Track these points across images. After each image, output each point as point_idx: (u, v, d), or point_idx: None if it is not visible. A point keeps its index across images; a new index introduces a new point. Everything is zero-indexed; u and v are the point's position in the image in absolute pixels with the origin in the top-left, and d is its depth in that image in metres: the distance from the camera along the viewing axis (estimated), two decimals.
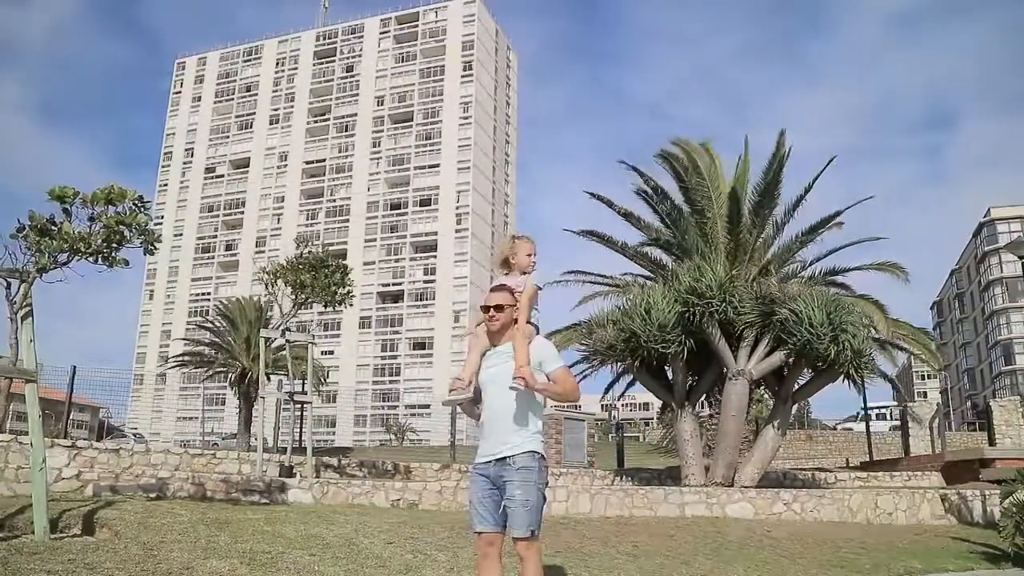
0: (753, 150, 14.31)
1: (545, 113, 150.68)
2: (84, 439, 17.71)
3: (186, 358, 29.68)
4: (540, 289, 4.00)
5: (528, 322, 3.83)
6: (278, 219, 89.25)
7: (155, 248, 6.51)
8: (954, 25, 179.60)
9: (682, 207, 14.47)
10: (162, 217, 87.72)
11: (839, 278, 14.24)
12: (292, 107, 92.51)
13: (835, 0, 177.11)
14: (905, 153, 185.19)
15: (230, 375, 26.42)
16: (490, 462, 3.63)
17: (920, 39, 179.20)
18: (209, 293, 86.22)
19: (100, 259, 6.16)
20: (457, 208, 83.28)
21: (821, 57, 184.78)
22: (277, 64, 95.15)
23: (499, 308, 3.72)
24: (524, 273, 4.01)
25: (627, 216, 14.86)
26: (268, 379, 17.11)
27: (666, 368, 13.26)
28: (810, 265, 14.24)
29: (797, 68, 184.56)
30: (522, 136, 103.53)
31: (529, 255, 4.04)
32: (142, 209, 6.30)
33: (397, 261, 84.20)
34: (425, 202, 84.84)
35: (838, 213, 13.59)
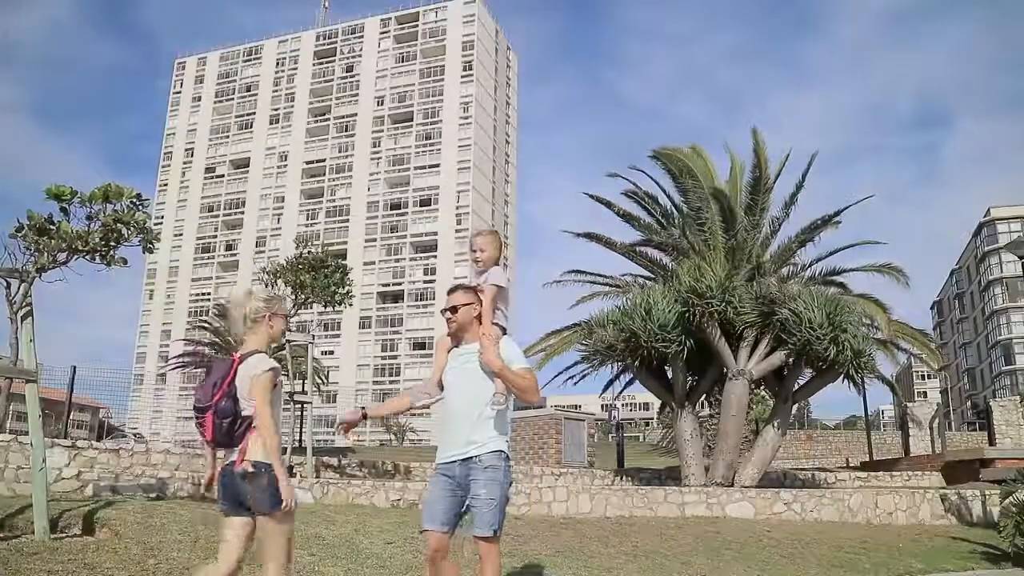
0: (747, 150, 14.31)
1: (542, 112, 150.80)
2: (84, 439, 17.70)
3: (186, 358, 29.69)
4: (503, 288, 3.88)
5: (493, 323, 3.79)
6: (278, 219, 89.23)
7: (153, 246, 6.51)
8: (946, 24, 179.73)
9: (680, 207, 14.48)
10: (162, 217, 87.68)
11: (838, 278, 14.23)
12: (292, 107, 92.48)
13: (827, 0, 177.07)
14: (901, 152, 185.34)
15: None
16: (455, 462, 3.60)
17: (912, 38, 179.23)
18: (209, 293, 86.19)
19: (98, 258, 6.15)
20: (457, 208, 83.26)
21: (814, 57, 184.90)
22: (277, 64, 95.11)
23: (454, 310, 3.72)
24: (480, 270, 3.96)
25: (626, 217, 14.86)
26: None
27: (666, 368, 13.25)
28: (810, 265, 14.25)
29: (790, 67, 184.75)
30: (520, 135, 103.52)
31: (474, 250, 3.97)
32: (140, 207, 6.29)
33: (397, 261, 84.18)
34: (425, 202, 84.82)
35: (837, 213, 13.57)
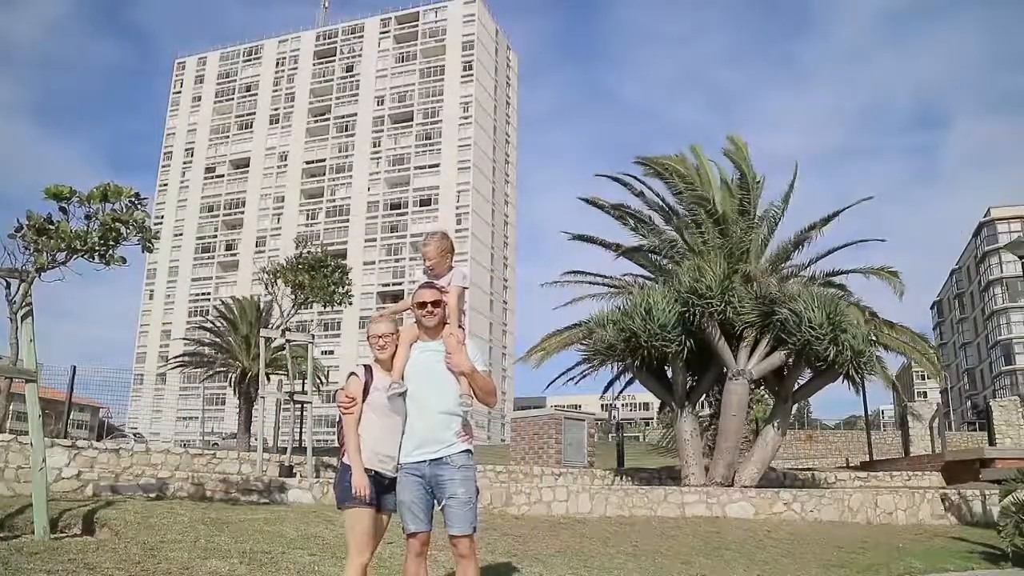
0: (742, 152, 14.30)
1: (542, 112, 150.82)
2: (84, 439, 17.69)
3: (186, 358, 29.71)
4: (467, 288, 4.04)
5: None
6: (278, 219, 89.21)
7: (152, 245, 6.49)
8: (944, 23, 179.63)
9: (676, 209, 14.49)
10: (162, 217, 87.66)
11: (836, 280, 14.23)
12: (292, 107, 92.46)
13: (823, 0, 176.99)
14: (900, 152, 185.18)
15: (230, 375, 26.44)
16: (424, 462, 3.64)
17: (910, 38, 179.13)
18: (209, 293, 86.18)
19: (97, 257, 6.14)
20: (457, 208, 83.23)
21: (810, 57, 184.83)
22: (277, 64, 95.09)
23: (436, 304, 3.75)
24: (435, 274, 3.98)
25: (622, 219, 14.87)
26: (268, 379, 17.11)
27: (666, 368, 13.25)
28: (809, 265, 14.25)
29: (787, 68, 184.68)
30: (520, 135, 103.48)
31: (425, 258, 4.00)
32: (139, 206, 6.27)
33: (397, 261, 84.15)
34: (425, 202, 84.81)
35: (836, 213, 13.60)
